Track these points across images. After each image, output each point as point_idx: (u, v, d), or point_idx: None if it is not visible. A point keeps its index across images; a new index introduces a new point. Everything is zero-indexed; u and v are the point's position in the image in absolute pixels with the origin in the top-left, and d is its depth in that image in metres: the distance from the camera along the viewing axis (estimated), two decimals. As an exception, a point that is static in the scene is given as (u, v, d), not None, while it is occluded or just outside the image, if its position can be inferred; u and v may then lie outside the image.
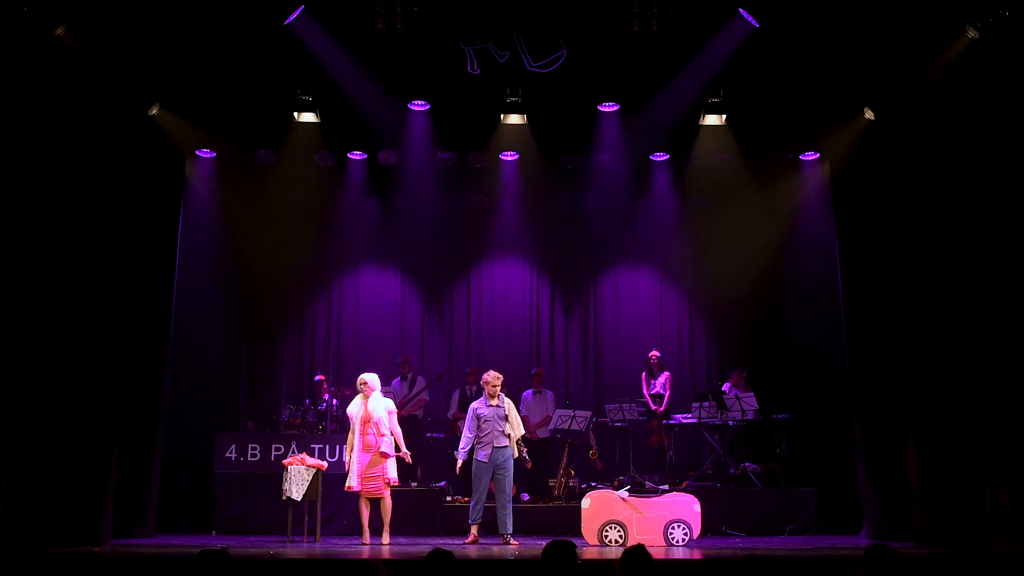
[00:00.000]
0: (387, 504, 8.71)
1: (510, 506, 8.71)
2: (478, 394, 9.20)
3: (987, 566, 6.98)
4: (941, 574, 6.86)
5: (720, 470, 10.54)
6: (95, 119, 8.77)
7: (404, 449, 8.93)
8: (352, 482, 8.63)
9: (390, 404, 8.98)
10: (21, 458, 8.04)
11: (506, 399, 8.91)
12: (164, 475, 9.56)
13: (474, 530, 8.71)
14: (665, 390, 11.31)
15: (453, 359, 12.32)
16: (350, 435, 8.83)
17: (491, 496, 8.95)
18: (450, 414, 11.43)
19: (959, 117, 8.62)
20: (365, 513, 8.73)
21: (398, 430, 8.91)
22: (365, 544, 8.55)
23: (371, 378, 8.91)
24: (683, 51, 9.31)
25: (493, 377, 8.89)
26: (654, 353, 11.51)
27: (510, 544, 8.53)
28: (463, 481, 10.37)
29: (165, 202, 9.61)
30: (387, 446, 8.68)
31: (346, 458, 8.87)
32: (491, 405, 8.80)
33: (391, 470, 8.70)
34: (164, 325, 9.51)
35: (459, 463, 8.95)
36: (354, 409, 8.84)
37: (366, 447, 8.67)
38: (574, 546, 4.57)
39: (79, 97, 8.64)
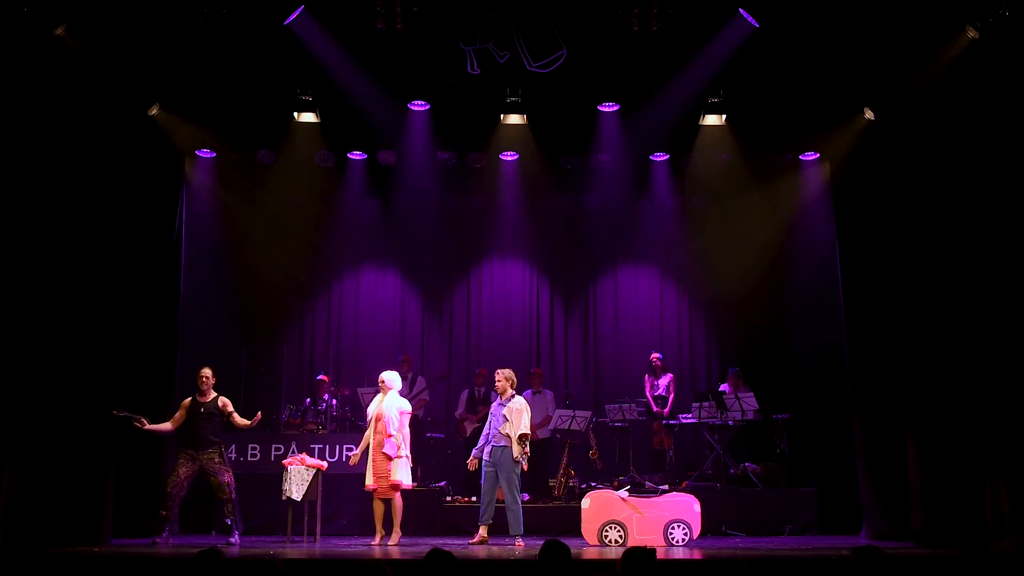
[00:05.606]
0: (395, 505, 8.58)
1: (514, 507, 8.53)
2: (487, 395, 9.13)
3: (987, 566, 6.98)
4: (941, 574, 6.85)
5: (720, 470, 10.54)
6: (95, 119, 8.75)
7: (407, 452, 8.72)
8: (368, 480, 8.57)
9: (404, 405, 8.78)
10: (21, 458, 8.04)
11: (517, 398, 8.69)
12: (164, 475, 9.54)
13: (481, 531, 8.62)
14: (669, 392, 11.31)
15: (453, 359, 12.33)
16: (367, 432, 8.75)
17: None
18: (457, 414, 11.45)
19: (959, 117, 8.61)
20: (375, 512, 8.64)
21: (407, 431, 8.72)
22: (374, 544, 8.47)
23: (388, 376, 8.78)
24: (683, 51, 9.30)
25: (496, 374, 8.79)
26: (655, 355, 11.50)
27: (515, 545, 8.37)
28: (463, 481, 10.39)
29: (165, 202, 9.61)
30: (390, 447, 8.52)
31: (356, 452, 8.79)
32: (499, 404, 8.73)
33: (396, 472, 8.51)
34: (172, 325, 9.53)
35: (470, 460, 8.93)
36: (372, 407, 8.78)
37: (376, 446, 8.59)
38: (567, 547, 4.60)
39: (79, 97, 8.62)
